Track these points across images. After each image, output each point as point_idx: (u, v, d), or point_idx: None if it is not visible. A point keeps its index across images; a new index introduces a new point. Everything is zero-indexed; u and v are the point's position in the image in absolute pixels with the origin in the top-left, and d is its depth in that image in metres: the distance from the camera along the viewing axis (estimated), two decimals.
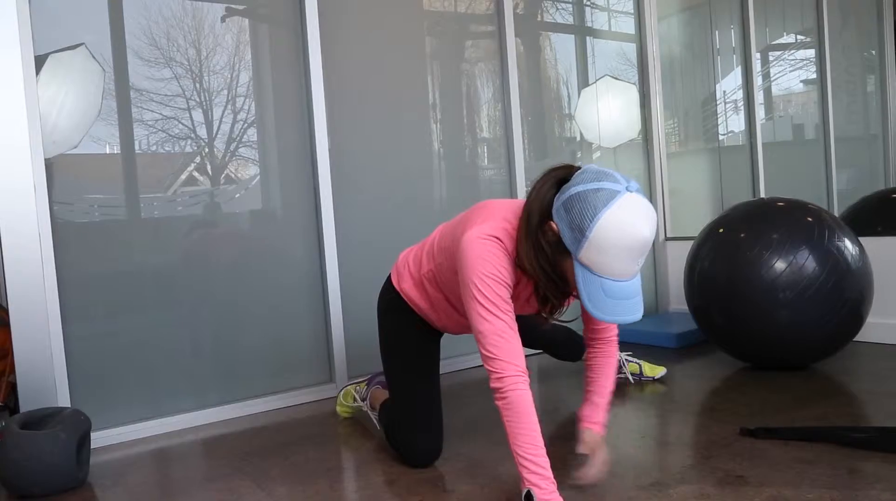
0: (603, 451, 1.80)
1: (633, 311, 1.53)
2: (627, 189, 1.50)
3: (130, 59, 2.57)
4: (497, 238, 1.66)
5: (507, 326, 1.63)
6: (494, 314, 1.63)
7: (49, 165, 2.41)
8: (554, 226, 1.56)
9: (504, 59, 3.44)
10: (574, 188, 1.52)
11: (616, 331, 1.92)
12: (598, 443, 1.82)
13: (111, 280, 2.52)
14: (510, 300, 1.66)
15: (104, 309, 2.51)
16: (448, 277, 1.89)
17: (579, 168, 1.60)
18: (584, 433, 1.85)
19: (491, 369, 1.63)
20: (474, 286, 1.64)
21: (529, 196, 1.64)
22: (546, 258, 1.60)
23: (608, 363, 1.90)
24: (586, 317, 1.87)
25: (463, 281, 1.68)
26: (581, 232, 1.49)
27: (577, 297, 1.60)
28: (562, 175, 1.61)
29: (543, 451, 1.60)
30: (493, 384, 1.63)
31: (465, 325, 2.03)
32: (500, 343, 1.62)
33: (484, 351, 1.64)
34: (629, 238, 1.46)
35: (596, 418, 1.87)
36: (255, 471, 2.10)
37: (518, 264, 1.67)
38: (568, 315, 1.84)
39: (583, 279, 1.53)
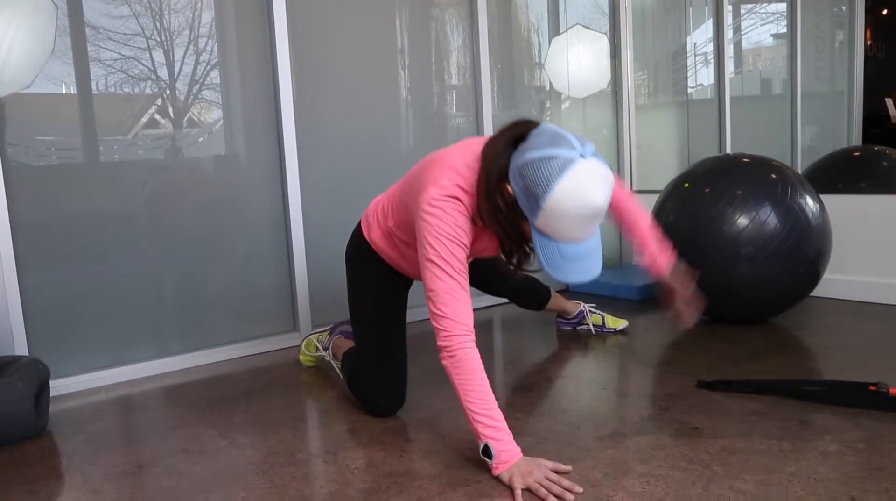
0: (683, 285, 2.06)
1: (590, 270, 1.55)
2: (582, 155, 1.47)
3: None
4: (454, 198, 1.64)
5: (459, 285, 1.63)
6: (448, 274, 1.62)
7: (0, 105, 2.32)
8: (510, 189, 1.56)
9: (474, 5, 3.37)
10: (529, 155, 1.51)
11: (643, 228, 2.10)
12: (676, 278, 2.06)
13: (69, 225, 2.46)
14: (465, 261, 1.66)
15: (62, 255, 2.45)
16: (412, 230, 1.88)
17: (536, 125, 1.58)
18: (659, 281, 2.10)
19: (439, 327, 1.63)
20: (430, 246, 1.63)
21: (486, 153, 1.63)
22: (504, 218, 1.60)
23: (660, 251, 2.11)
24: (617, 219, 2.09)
25: (419, 240, 1.67)
26: (536, 201, 1.49)
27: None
28: (519, 132, 1.59)
29: (496, 405, 1.62)
30: (441, 343, 1.63)
31: None
32: (450, 302, 1.62)
33: (434, 309, 1.64)
34: (583, 207, 1.47)
35: (660, 263, 2.11)
36: (218, 419, 2.09)
37: (479, 218, 1.67)
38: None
39: (539, 243, 1.55)
